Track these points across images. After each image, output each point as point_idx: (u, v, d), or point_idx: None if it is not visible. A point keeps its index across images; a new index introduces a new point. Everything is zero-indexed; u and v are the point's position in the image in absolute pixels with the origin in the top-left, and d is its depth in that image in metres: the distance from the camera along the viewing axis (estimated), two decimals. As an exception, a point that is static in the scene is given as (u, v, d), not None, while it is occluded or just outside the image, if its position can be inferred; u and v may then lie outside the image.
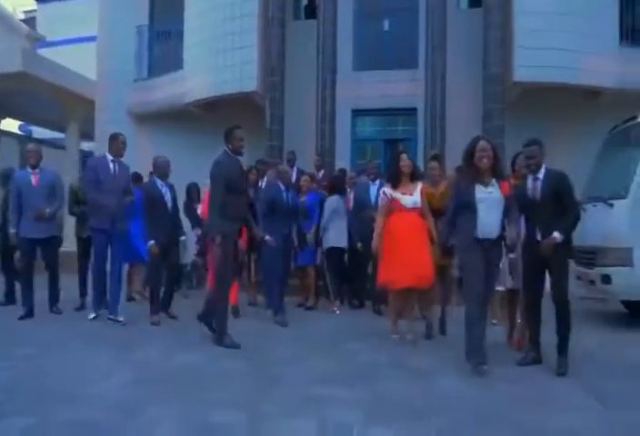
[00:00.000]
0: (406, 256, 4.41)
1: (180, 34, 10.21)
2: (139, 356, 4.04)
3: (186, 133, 10.34)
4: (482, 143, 3.81)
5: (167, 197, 5.43)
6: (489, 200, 3.76)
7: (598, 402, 3.08)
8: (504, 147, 8.17)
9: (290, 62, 9.47)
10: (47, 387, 3.25)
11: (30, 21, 20.33)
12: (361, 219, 6.25)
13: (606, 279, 5.39)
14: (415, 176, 4.74)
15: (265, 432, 2.59)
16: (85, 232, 5.90)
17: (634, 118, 5.91)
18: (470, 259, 3.75)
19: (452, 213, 3.94)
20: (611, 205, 5.48)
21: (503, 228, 3.81)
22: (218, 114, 10.01)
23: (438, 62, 8.82)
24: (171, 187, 5.54)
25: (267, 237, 5.24)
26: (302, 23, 10.52)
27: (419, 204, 4.64)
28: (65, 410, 2.84)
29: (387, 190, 4.74)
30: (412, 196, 4.64)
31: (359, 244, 6.29)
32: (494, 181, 3.81)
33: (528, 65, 8.42)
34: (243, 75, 9.30)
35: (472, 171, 3.83)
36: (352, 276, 6.81)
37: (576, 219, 3.85)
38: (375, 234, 4.69)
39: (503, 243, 3.88)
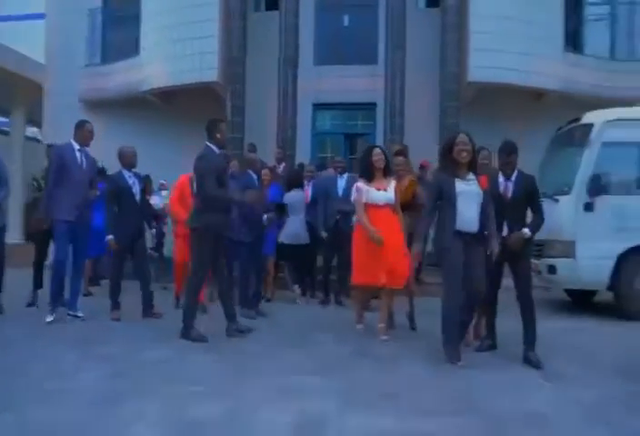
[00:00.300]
0: (383, 255, 4.35)
1: (136, 19, 9.95)
2: (107, 351, 3.98)
3: (142, 122, 10.11)
4: (462, 137, 3.78)
5: (135, 189, 5.29)
6: (469, 193, 3.74)
7: (552, 384, 3.34)
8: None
9: (251, 53, 9.44)
10: (17, 384, 3.19)
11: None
12: (325, 210, 6.37)
13: (552, 269, 5.83)
14: (388, 171, 4.66)
15: (247, 423, 2.67)
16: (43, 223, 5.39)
17: (576, 120, 6.32)
18: (451, 259, 3.69)
19: (431, 207, 3.90)
20: (556, 201, 5.86)
21: (482, 224, 3.78)
22: (176, 104, 9.87)
23: (397, 59, 9.04)
24: (139, 178, 5.41)
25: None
26: (262, 14, 10.49)
27: (393, 201, 4.58)
28: (40, 407, 2.81)
29: (361, 185, 4.59)
30: (386, 192, 4.55)
31: (324, 234, 6.37)
32: (472, 175, 3.82)
33: (482, 66, 8.81)
34: (203, 65, 9.19)
35: (451, 165, 3.81)
36: (311, 269, 6.95)
37: (543, 220, 4.04)
38: (365, 223, 4.48)
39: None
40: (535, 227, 4.00)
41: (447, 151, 3.82)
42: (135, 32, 9.96)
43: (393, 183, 4.61)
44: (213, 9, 9.24)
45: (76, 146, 5.09)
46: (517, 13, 8.89)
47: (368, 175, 4.60)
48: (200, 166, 4.40)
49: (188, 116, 9.76)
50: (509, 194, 3.98)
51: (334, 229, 6.29)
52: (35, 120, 11.27)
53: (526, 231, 3.90)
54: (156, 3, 9.63)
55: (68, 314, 5.12)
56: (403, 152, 5.46)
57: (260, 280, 5.84)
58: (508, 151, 4.01)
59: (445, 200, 3.78)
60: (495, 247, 3.77)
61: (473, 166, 3.84)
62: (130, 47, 9.96)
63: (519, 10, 8.92)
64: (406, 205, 4.87)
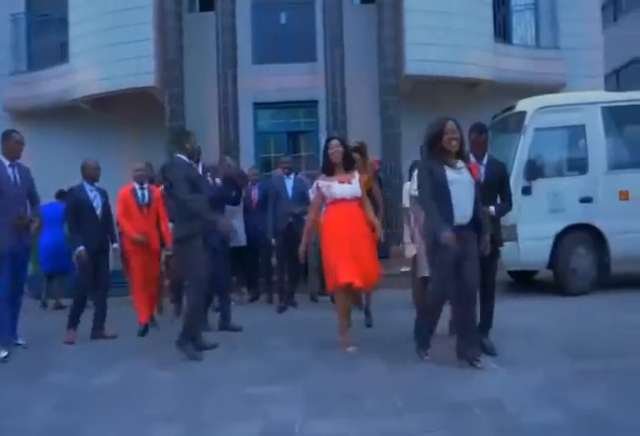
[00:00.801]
0: (349, 252, 4.00)
1: (63, 24, 9.57)
2: (56, 379, 3.77)
3: (75, 131, 9.67)
4: (451, 124, 3.51)
5: (97, 202, 5.06)
6: (461, 182, 3.49)
7: (505, 368, 3.47)
8: (400, 136, 8.74)
9: (188, 55, 9.25)
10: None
11: None
12: (274, 213, 6.22)
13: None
14: (349, 164, 4.25)
15: (211, 439, 2.64)
16: None
17: (511, 108, 6.57)
18: (444, 252, 3.43)
19: (429, 198, 3.53)
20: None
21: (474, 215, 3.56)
22: (111, 111, 9.54)
23: (336, 55, 9.10)
24: (102, 192, 5.18)
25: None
26: (197, 15, 10.29)
27: (359, 194, 4.19)
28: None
29: (321, 181, 4.26)
30: (350, 185, 4.15)
31: (273, 241, 6.24)
32: (461, 163, 3.57)
33: (417, 60, 9.00)
34: (139, 70, 8.93)
35: (440, 154, 3.53)
36: (261, 271, 6.92)
37: (510, 207, 4.03)
38: (305, 229, 4.37)
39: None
40: (502, 210, 3.94)
41: (436, 139, 3.53)
42: (62, 37, 9.57)
43: (357, 176, 4.23)
44: (146, 11, 9.00)
45: (6, 161, 4.58)
46: (449, 7, 9.13)
47: (327, 169, 4.24)
48: (171, 174, 4.24)
49: (125, 123, 9.49)
50: (481, 179, 3.80)
51: (286, 232, 6.14)
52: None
53: (492, 208, 3.83)
54: (85, 7, 9.24)
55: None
56: (359, 149, 5.20)
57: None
58: (479, 129, 3.93)
59: (436, 189, 3.50)
60: (485, 249, 3.63)
61: (461, 155, 3.58)
62: (58, 53, 9.54)
63: (451, 4, 9.17)
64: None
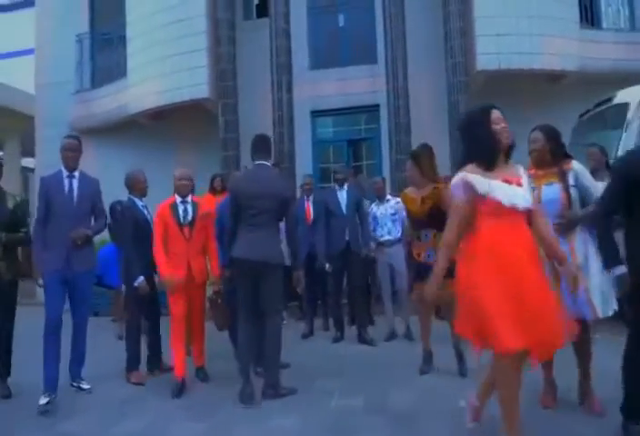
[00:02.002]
0: (521, 301, 2.42)
1: (123, 41, 9.56)
2: (131, 427, 3.27)
3: (134, 145, 9.64)
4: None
5: (149, 219, 4.42)
6: None
7: None
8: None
9: (242, 64, 8.91)
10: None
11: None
12: (326, 232, 5.43)
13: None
14: (510, 151, 2.72)
15: None
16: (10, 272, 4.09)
17: (608, 100, 5.54)
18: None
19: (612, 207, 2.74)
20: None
21: None
22: (167, 124, 9.40)
23: (398, 55, 8.36)
24: (148, 209, 4.55)
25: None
26: (253, 22, 9.96)
27: (531, 204, 2.60)
28: None
29: (471, 175, 2.58)
30: (521, 187, 2.59)
31: (327, 266, 5.39)
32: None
33: (490, 53, 8.07)
34: (193, 81, 8.69)
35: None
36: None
37: None
38: (436, 270, 2.68)
39: None
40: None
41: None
42: (123, 53, 9.57)
43: (522, 171, 2.70)
44: (200, 21, 8.77)
45: (65, 172, 4.00)
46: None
47: (488, 157, 2.60)
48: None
49: (181, 136, 9.31)
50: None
51: (342, 255, 5.37)
52: (30, 150, 10.97)
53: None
54: (142, 21, 9.20)
55: (72, 385, 4.08)
56: (419, 154, 4.34)
57: None
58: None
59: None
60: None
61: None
62: (119, 69, 9.57)
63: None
64: (424, 220, 4.10)
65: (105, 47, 10.22)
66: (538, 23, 8.14)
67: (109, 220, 4.73)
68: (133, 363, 4.29)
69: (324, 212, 5.54)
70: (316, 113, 9.45)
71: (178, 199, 4.13)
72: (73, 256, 3.89)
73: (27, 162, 12.78)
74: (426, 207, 4.09)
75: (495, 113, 2.64)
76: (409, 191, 4.35)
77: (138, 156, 9.23)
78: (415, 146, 7.96)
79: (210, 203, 5.10)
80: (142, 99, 9.08)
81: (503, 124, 2.64)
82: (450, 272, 2.62)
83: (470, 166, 2.62)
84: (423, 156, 4.26)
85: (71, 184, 3.99)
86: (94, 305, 7.81)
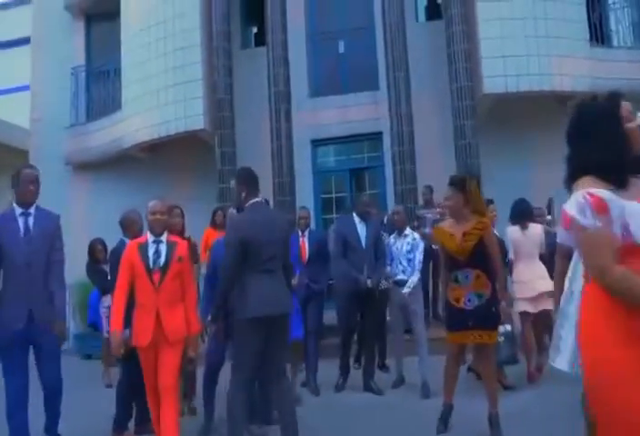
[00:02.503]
0: None
1: (119, 73, 9.36)
2: None
3: (129, 179, 9.31)
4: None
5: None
6: None
7: None
8: (479, 167, 7.36)
9: (239, 94, 8.64)
10: None
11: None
12: (344, 271, 4.91)
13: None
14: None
15: None
16: None
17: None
18: None
19: None
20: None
21: None
22: (163, 156, 9.09)
23: (400, 79, 8.02)
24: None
25: None
26: (250, 51, 9.73)
27: None
28: None
29: (609, 194, 1.63)
30: None
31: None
32: None
33: (496, 75, 7.70)
34: (188, 112, 8.42)
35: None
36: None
37: None
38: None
39: None
40: None
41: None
42: (118, 86, 9.36)
43: None
44: (195, 51, 8.54)
45: (18, 209, 3.37)
46: (533, 11, 7.79)
47: (620, 168, 1.72)
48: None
49: (178, 169, 9.00)
50: None
51: (356, 293, 4.87)
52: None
53: None
54: (136, 52, 9.01)
55: None
56: (462, 180, 3.66)
57: None
58: None
59: None
60: None
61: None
62: (113, 103, 9.34)
63: (535, 8, 7.81)
64: (465, 259, 3.55)
65: (100, 80, 10.04)
66: (546, 43, 7.78)
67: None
68: (121, 422, 3.81)
69: (339, 245, 5.03)
70: (317, 143, 9.10)
71: (150, 238, 3.37)
72: (36, 311, 3.29)
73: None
74: (470, 244, 3.49)
75: (626, 106, 1.85)
76: (446, 225, 3.73)
77: (134, 191, 8.87)
78: (420, 175, 7.66)
79: (212, 238, 4.72)
80: (136, 132, 8.80)
81: (635, 123, 1.85)
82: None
83: (588, 179, 1.70)
84: (469, 182, 3.57)
85: (26, 223, 3.33)
86: (87, 347, 7.45)
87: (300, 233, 5.56)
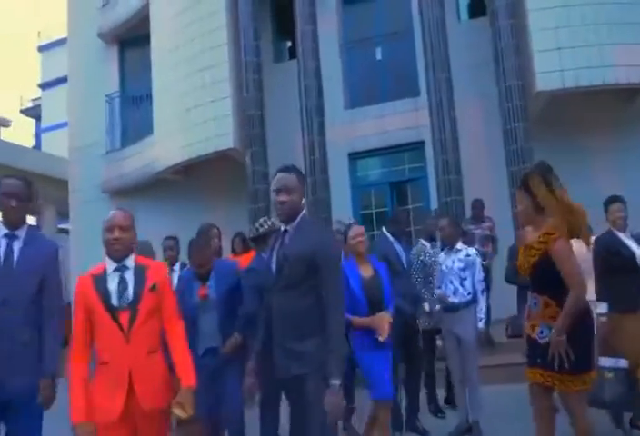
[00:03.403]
0: None
1: (151, 98, 9.22)
2: None
3: (163, 204, 9.08)
4: None
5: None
6: None
7: None
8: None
9: (271, 110, 8.21)
10: None
11: (37, 108, 20.72)
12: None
13: None
14: None
15: None
16: None
17: None
18: None
19: None
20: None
21: None
22: (195, 179, 8.81)
23: (442, 84, 7.30)
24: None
25: None
26: (284, 65, 9.34)
27: None
28: None
29: None
30: None
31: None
32: None
33: (551, 70, 6.82)
34: (217, 132, 8.08)
35: None
36: None
37: None
38: None
39: None
40: None
41: None
42: (150, 110, 9.22)
43: None
44: (223, 68, 8.23)
45: (2, 230, 2.61)
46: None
47: None
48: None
49: (211, 190, 8.67)
50: None
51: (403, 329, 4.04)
52: (66, 213, 10.85)
53: None
54: (165, 75, 8.84)
55: None
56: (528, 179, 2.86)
57: None
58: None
59: None
60: None
61: None
62: (146, 127, 9.19)
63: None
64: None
65: (133, 105, 9.98)
66: (609, 30, 6.82)
67: None
68: None
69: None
70: (355, 156, 8.49)
71: (110, 265, 2.42)
72: (7, 366, 2.45)
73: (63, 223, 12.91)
74: (530, 260, 2.71)
75: None
76: (527, 231, 2.89)
77: (170, 216, 8.63)
78: (467, 186, 6.85)
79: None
80: (168, 155, 8.58)
81: None
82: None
83: None
84: (533, 180, 2.70)
85: (9, 248, 2.57)
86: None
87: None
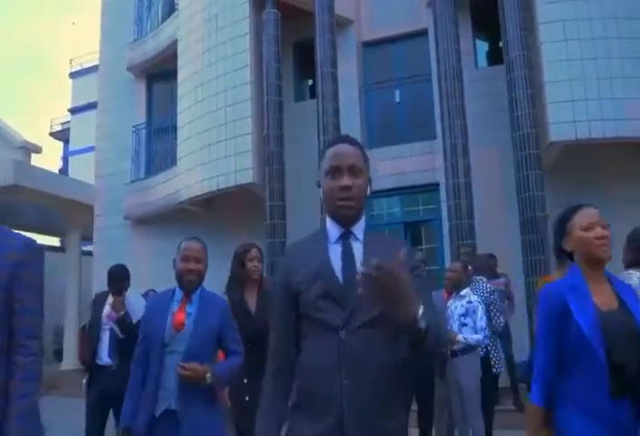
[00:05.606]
0: None
1: (176, 130, 9.60)
2: None
3: (185, 234, 9.25)
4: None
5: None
6: None
7: None
8: (546, 221, 6.59)
9: (291, 147, 8.50)
10: None
11: (66, 132, 21.39)
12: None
13: None
14: None
15: None
16: None
17: None
18: None
19: None
20: None
21: None
22: (216, 211, 9.06)
23: (457, 129, 7.53)
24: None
25: None
26: (304, 104, 9.68)
27: None
28: None
29: None
30: None
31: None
32: None
33: (565, 122, 7.00)
34: (238, 167, 8.36)
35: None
36: None
37: None
38: None
39: None
40: None
41: None
42: (175, 142, 9.58)
43: None
44: (246, 106, 8.57)
45: None
46: (606, 50, 7.11)
47: None
48: None
49: (229, 223, 8.90)
50: None
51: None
52: (90, 237, 11.20)
53: None
54: (190, 110, 9.22)
55: None
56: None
57: None
58: None
59: None
60: None
61: None
62: (171, 158, 9.53)
63: (609, 46, 7.13)
64: None
65: (159, 137, 10.35)
66: (623, 84, 7.03)
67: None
68: None
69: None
70: (370, 195, 8.60)
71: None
72: None
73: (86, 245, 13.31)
74: None
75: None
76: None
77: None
78: (479, 230, 6.99)
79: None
80: (190, 186, 8.87)
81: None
82: None
83: None
84: None
85: None
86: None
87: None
